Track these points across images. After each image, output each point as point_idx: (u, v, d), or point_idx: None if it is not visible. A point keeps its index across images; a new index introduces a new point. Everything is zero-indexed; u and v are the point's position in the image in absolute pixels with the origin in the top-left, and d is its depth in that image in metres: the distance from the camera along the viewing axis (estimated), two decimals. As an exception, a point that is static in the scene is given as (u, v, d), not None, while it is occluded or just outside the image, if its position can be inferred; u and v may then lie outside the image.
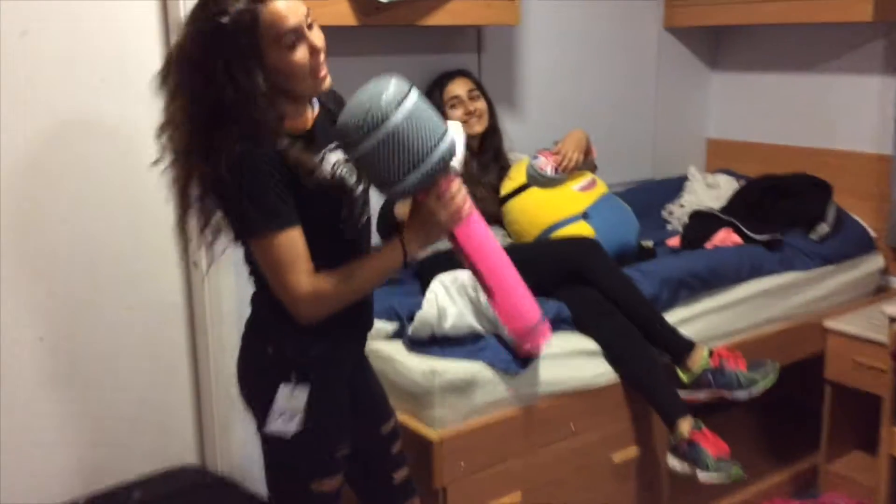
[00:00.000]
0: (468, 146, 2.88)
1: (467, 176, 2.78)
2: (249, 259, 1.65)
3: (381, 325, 2.38)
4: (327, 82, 1.60)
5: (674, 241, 3.15)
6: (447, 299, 2.31)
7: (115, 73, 2.26)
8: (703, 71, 3.84)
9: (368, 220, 1.75)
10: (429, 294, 2.32)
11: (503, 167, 2.96)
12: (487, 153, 2.95)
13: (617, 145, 3.48)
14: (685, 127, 3.85)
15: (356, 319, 1.76)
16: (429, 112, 1.53)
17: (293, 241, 1.54)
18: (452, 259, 2.60)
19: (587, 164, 2.93)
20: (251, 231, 1.53)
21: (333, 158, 1.63)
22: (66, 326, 2.29)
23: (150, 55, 2.27)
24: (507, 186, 2.89)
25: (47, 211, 2.23)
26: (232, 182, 1.47)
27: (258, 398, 1.67)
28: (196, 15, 1.51)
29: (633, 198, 3.26)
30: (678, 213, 3.49)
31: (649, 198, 3.56)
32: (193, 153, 1.50)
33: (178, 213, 1.57)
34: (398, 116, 1.46)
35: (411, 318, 2.34)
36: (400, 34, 2.94)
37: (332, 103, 1.75)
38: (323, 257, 1.58)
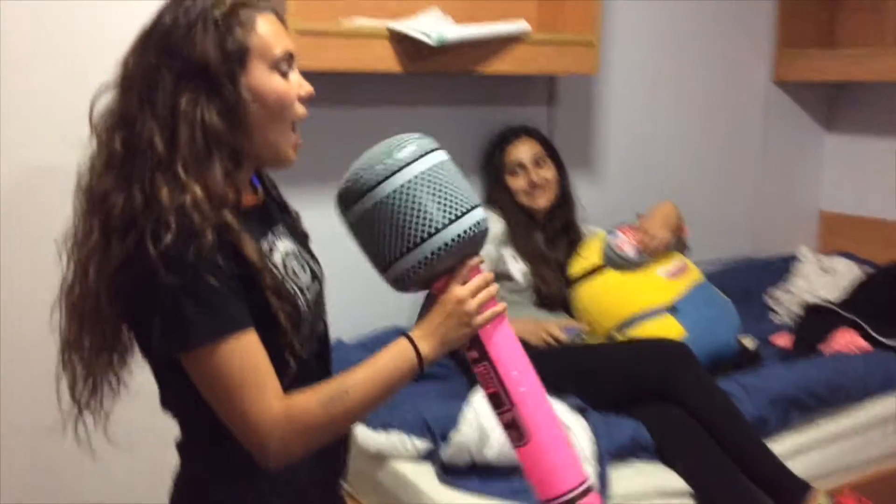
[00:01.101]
0: (531, 219, 2.45)
1: (530, 251, 2.35)
2: (171, 389, 1.19)
3: (409, 441, 1.95)
4: (294, 154, 1.23)
5: (781, 339, 2.71)
6: (492, 419, 1.82)
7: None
8: (816, 132, 3.49)
9: (326, 332, 1.33)
10: (468, 410, 1.90)
11: (574, 242, 2.56)
12: (555, 224, 2.54)
13: (711, 215, 3.16)
14: (794, 197, 3.48)
15: (333, 458, 1.31)
16: (456, 179, 1.22)
17: (252, 349, 1.11)
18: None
19: (677, 244, 2.49)
20: (189, 339, 1.08)
21: (282, 247, 1.23)
22: None
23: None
24: (577, 266, 2.47)
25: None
26: (158, 263, 1.05)
27: None
28: (170, 14, 1.13)
29: (728, 279, 2.95)
30: (785, 300, 3.06)
31: (748, 280, 3.14)
32: (99, 215, 1.10)
33: (69, 323, 1.15)
34: (409, 172, 1.17)
35: (446, 437, 1.89)
36: (454, 82, 2.58)
37: (273, 189, 1.37)
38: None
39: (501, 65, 2.33)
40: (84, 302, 1.12)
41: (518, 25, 2.31)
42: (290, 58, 1.18)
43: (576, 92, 2.82)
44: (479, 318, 1.21)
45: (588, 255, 2.45)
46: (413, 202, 1.16)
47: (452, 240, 1.17)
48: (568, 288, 2.46)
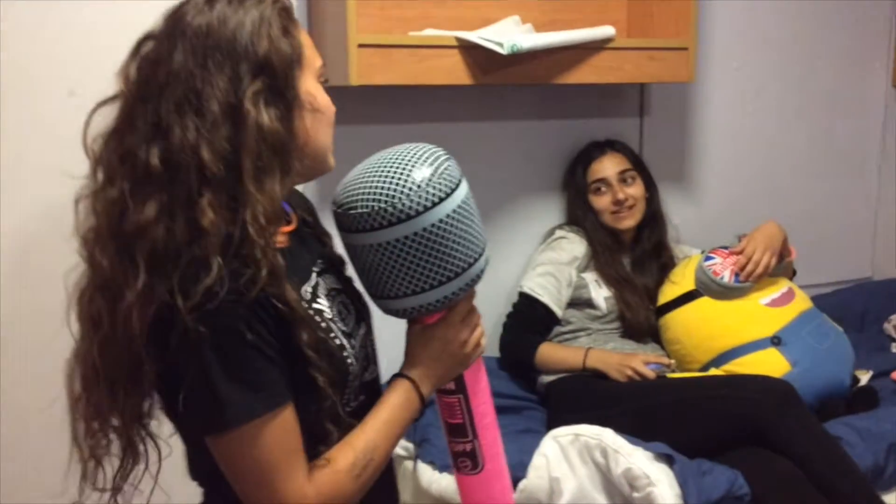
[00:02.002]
0: (617, 240, 2.27)
1: (614, 276, 2.18)
2: (202, 458, 1.06)
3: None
4: (334, 160, 1.13)
5: None
6: (563, 465, 1.71)
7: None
8: (944, 141, 3.16)
9: (376, 378, 1.20)
10: (537, 457, 1.74)
11: (665, 266, 2.36)
12: (643, 246, 2.34)
13: (824, 234, 2.93)
14: (919, 212, 3.16)
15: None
16: (475, 217, 1.11)
17: (287, 428, 0.98)
18: (593, 391, 2.00)
19: (781, 269, 2.25)
20: (220, 422, 0.95)
21: (325, 288, 1.11)
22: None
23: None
24: (668, 293, 2.27)
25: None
26: (190, 317, 0.91)
27: None
28: (207, 7, 1.00)
29: (843, 305, 2.74)
30: (909, 329, 2.75)
31: (866, 305, 2.87)
32: (142, 254, 0.95)
33: (82, 387, 1.01)
34: (426, 220, 1.04)
35: (515, 485, 1.71)
36: (533, 94, 2.42)
37: (306, 211, 1.23)
38: (312, 442, 1.03)
39: (584, 74, 2.15)
40: (117, 359, 0.98)
41: (601, 31, 2.13)
42: (324, 66, 1.10)
43: (669, 101, 2.62)
44: (473, 357, 1.18)
45: (680, 280, 2.25)
46: (433, 247, 1.05)
47: (467, 284, 1.10)
48: (657, 316, 2.26)
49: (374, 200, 1.03)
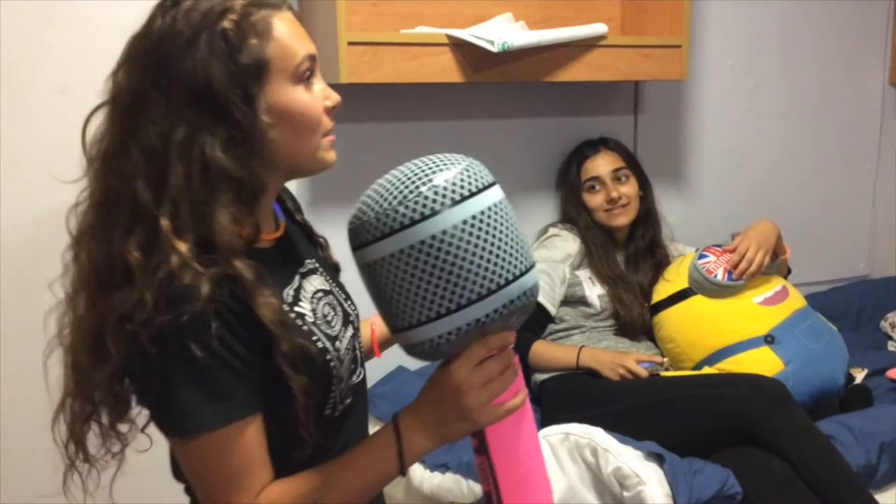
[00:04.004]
0: (611, 238, 2.26)
1: (608, 273, 2.17)
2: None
3: (465, 484, 1.79)
4: (334, 154, 1.04)
5: None
6: (554, 465, 1.70)
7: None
8: (942, 139, 3.13)
9: (363, 381, 1.15)
10: None
11: (659, 264, 2.34)
12: (636, 244, 2.33)
13: (821, 233, 2.92)
14: (916, 210, 3.13)
15: None
16: (511, 228, 0.93)
17: (247, 441, 0.95)
18: (585, 389, 1.99)
19: (775, 267, 2.23)
20: (182, 428, 0.94)
21: (311, 288, 1.07)
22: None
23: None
24: (661, 291, 2.26)
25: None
26: (143, 336, 0.90)
27: None
28: (163, 19, 0.94)
29: (840, 303, 2.74)
30: (905, 327, 2.73)
31: (862, 304, 2.85)
32: (93, 269, 0.95)
33: (67, 387, 0.99)
34: (452, 216, 0.89)
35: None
36: (527, 92, 2.40)
37: (295, 210, 1.20)
38: (289, 447, 0.99)
39: (577, 72, 2.14)
40: (76, 362, 0.98)
41: (594, 29, 2.12)
42: (312, 62, 0.99)
43: (664, 99, 2.60)
44: (485, 416, 0.95)
45: (674, 278, 2.23)
46: (454, 258, 0.88)
47: (496, 311, 0.90)
48: (651, 315, 2.25)
49: (386, 202, 0.90)
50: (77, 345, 0.97)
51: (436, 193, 0.89)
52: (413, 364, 2.19)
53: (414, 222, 0.89)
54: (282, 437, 0.97)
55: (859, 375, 2.26)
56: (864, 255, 3.05)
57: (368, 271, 0.94)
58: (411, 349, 0.96)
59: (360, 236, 0.92)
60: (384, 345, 1.30)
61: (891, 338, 2.71)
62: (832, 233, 2.95)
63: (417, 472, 1.82)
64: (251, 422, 0.95)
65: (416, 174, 0.91)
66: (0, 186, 1.85)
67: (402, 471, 0.98)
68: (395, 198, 0.90)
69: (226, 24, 0.93)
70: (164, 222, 0.90)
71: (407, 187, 0.90)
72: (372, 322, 1.28)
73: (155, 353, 0.89)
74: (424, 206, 0.89)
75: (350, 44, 1.83)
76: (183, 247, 0.90)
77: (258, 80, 0.94)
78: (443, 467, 1.81)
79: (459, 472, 1.78)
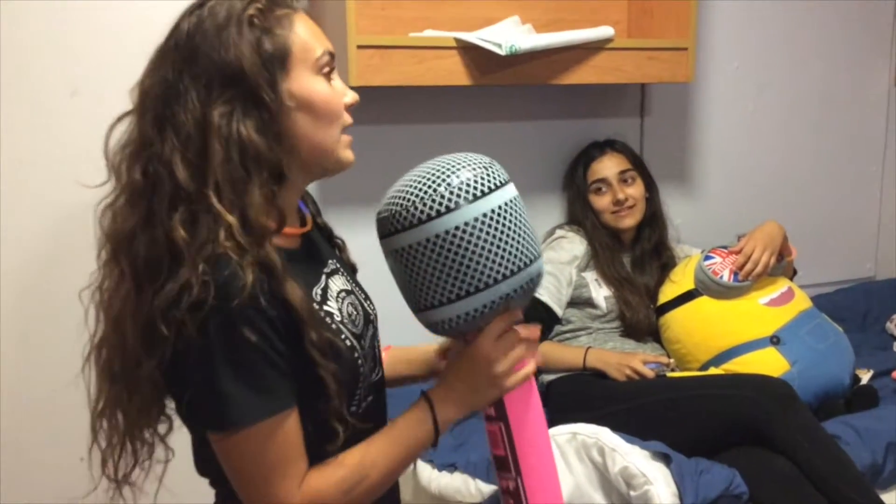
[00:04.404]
0: (617, 240, 2.27)
1: (614, 275, 2.19)
2: (210, 455, 1.05)
3: (473, 484, 1.80)
4: (352, 154, 1.09)
5: None
6: (561, 464, 1.70)
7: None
8: (949, 139, 3.12)
9: (381, 379, 1.18)
10: None
11: (665, 265, 2.35)
12: (643, 246, 2.34)
13: (827, 234, 2.92)
14: (923, 211, 3.13)
15: None
16: (523, 222, 1.08)
17: (287, 432, 0.98)
18: (592, 390, 2.00)
19: (781, 268, 2.24)
20: (223, 420, 0.96)
21: (336, 288, 1.10)
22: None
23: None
24: (667, 292, 2.26)
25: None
26: (189, 322, 0.92)
27: None
28: (189, 19, 1.00)
29: (846, 304, 2.75)
30: (911, 328, 2.73)
31: (868, 305, 2.86)
32: (127, 260, 0.97)
33: (101, 384, 1.02)
34: (474, 210, 1.03)
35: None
36: (534, 95, 2.41)
37: (315, 212, 1.23)
38: (322, 441, 1.02)
39: (583, 75, 2.15)
40: (119, 360, 0.99)
41: (601, 31, 2.13)
42: (331, 58, 1.04)
43: (670, 101, 2.61)
44: (510, 381, 1.09)
45: (680, 279, 2.24)
46: (472, 247, 1.02)
47: (508, 294, 1.05)
48: (657, 316, 2.26)
49: (413, 195, 1.02)
50: (118, 342, 0.98)
51: (458, 189, 1.02)
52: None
53: (439, 215, 1.01)
54: (315, 431, 1.00)
55: (865, 376, 2.27)
56: (869, 256, 3.05)
57: (395, 257, 1.06)
58: (435, 326, 1.08)
59: (389, 226, 1.04)
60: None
61: (896, 339, 2.74)
62: (838, 234, 2.95)
63: (426, 471, 1.84)
64: (290, 413, 0.98)
65: (439, 172, 1.03)
66: (9, 187, 1.86)
67: (436, 442, 1.08)
68: (420, 193, 1.02)
69: (251, 11, 0.98)
70: (213, 197, 0.94)
71: (430, 185, 1.02)
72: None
73: (201, 341, 0.91)
74: (449, 200, 1.01)
75: (359, 47, 1.85)
76: (231, 219, 0.94)
77: (283, 67, 1.00)
78: (451, 467, 1.83)
79: (467, 472, 1.80)
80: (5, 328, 1.90)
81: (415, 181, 1.03)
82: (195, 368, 0.94)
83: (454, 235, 1.01)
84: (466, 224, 1.01)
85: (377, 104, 2.15)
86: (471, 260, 1.01)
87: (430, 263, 1.02)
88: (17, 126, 1.85)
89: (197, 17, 0.98)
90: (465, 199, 1.01)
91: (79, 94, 1.91)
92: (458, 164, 1.04)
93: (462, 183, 1.02)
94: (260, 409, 0.95)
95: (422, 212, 1.01)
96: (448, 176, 1.02)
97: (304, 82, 1.01)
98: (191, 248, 0.93)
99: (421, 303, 1.06)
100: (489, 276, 1.03)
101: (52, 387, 1.91)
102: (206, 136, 0.95)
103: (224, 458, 0.99)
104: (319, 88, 1.02)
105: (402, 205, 1.02)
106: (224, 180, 0.95)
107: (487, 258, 1.02)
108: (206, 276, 0.91)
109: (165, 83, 0.97)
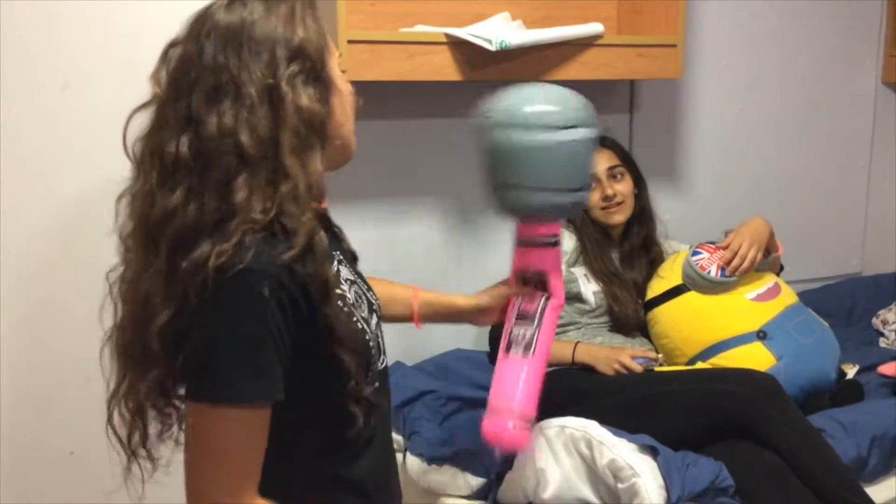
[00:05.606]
0: (606, 236, 2.28)
1: (603, 270, 2.21)
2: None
3: (462, 477, 1.82)
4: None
5: (889, 369, 2.40)
6: (549, 458, 1.71)
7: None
8: (934, 137, 3.14)
9: (386, 368, 1.21)
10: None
11: (653, 261, 2.36)
12: (631, 241, 2.34)
13: (814, 230, 2.93)
14: (909, 207, 3.15)
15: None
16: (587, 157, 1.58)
17: (262, 429, 0.98)
18: (581, 384, 2.01)
19: (768, 264, 2.26)
20: (215, 394, 0.95)
21: (345, 275, 1.14)
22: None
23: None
24: (655, 287, 2.27)
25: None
26: (210, 298, 0.94)
27: None
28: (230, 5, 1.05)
29: (831, 300, 2.77)
30: (896, 323, 2.74)
31: (855, 300, 2.87)
32: (167, 241, 0.98)
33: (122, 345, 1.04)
34: (593, 132, 1.55)
35: (501, 477, 1.74)
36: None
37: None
38: (341, 425, 1.05)
39: (573, 71, 2.16)
40: (141, 342, 1.00)
41: (590, 28, 2.15)
42: (341, 61, 1.13)
43: (659, 98, 2.62)
44: None
45: (668, 275, 2.25)
46: (581, 155, 1.50)
47: (577, 201, 1.53)
48: (646, 311, 2.27)
49: (553, 108, 1.51)
50: (145, 321, 0.98)
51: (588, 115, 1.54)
52: (410, 359, 2.22)
53: (573, 125, 1.52)
54: (334, 415, 1.02)
55: (850, 371, 2.28)
56: (856, 252, 3.06)
57: (521, 145, 1.49)
58: (505, 204, 1.55)
59: (534, 121, 1.50)
60: (424, 318, 1.52)
61: (882, 334, 2.74)
62: (825, 230, 2.96)
63: (415, 465, 1.85)
64: (268, 411, 0.98)
65: (578, 100, 1.56)
66: (2, 183, 1.86)
67: None
68: (565, 108, 1.54)
69: (300, 3, 1.06)
70: (284, 158, 0.98)
71: (576, 105, 1.56)
72: (412, 296, 1.51)
73: (219, 302, 0.93)
74: (584, 120, 1.53)
75: (349, 42, 1.86)
76: (300, 181, 0.98)
77: (329, 52, 1.08)
78: (440, 460, 1.84)
79: (457, 466, 1.81)
80: (5, 328, 1.90)
81: (554, 99, 1.56)
82: (204, 330, 0.94)
83: (578, 142, 1.50)
84: (586, 138, 1.52)
85: (367, 99, 2.14)
86: (582, 164, 1.53)
87: (555, 157, 1.47)
88: (5, 120, 1.85)
89: (251, 9, 1.03)
90: (590, 122, 1.54)
91: (69, 89, 1.91)
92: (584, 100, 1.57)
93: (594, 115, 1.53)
94: (256, 392, 0.95)
95: (567, 119, 1.50)
96: (584, 105, 1.55)
97: (337, 72, 1.10)
98: (244, 213, 0.95)
99: (516, 184, 1.51)
100: (580, 183, 1.52)
101: (49, 383, 1.92)
102: (274, 102, 0.99)
103: (191, 430, 0.99)
104: (345, 79, 1.12)
105: (548, 110, 1.52)
106: (292, 146, 0.99)
107: (586, 169, 1.55)
108: (246, 239, 0.94)
109: (219, 65, 1.00)
